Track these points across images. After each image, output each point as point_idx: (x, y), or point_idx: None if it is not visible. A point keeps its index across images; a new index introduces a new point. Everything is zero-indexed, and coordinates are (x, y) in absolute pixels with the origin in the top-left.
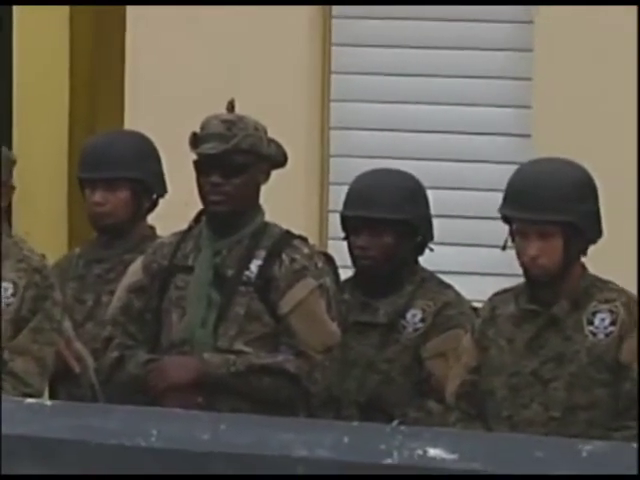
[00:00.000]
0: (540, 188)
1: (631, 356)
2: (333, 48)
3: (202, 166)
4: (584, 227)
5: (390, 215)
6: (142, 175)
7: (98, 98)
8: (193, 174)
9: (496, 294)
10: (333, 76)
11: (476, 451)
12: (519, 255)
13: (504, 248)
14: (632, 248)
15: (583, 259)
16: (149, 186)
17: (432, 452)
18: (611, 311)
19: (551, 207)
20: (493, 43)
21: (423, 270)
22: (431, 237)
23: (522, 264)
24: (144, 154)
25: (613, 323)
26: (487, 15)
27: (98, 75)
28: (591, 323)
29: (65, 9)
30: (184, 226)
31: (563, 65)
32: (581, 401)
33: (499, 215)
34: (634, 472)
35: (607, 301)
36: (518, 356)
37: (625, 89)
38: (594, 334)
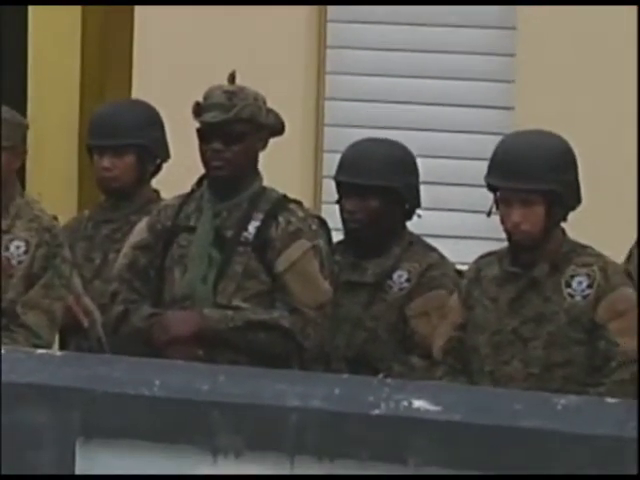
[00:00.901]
0: (523, 158)
1: (606, 316)
2: (329, 25)
3: (204, 134)
4: (564, 195)
5: (376, 182)
6: (147, 142)
7: (107, 68)
8: (196, 141)
9: (481, 257)
10: (328, 50)
11: (458, 403)
12: (503, 221)
13: (489, 214)
14: (609, 215)
15: (563, 225)
16: (153, 152)
17: (417, 403)
18: (588, 275)
19: (533, 176)
20: (481, 23)
21: (410, 234)
22: (418, 204)
23: (506, 229)
24: (148, 122)
25: (590, 286)
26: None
27: (108, 47)
28: (569, 286)
29: None
30: (187, 189)
31: (544, 43)
32: (558, 359)
33: (483, 183)
34: (605, 425)
35: (585, 265)
36: (501, 315)
37: (604, 63)
38: (572, 296)
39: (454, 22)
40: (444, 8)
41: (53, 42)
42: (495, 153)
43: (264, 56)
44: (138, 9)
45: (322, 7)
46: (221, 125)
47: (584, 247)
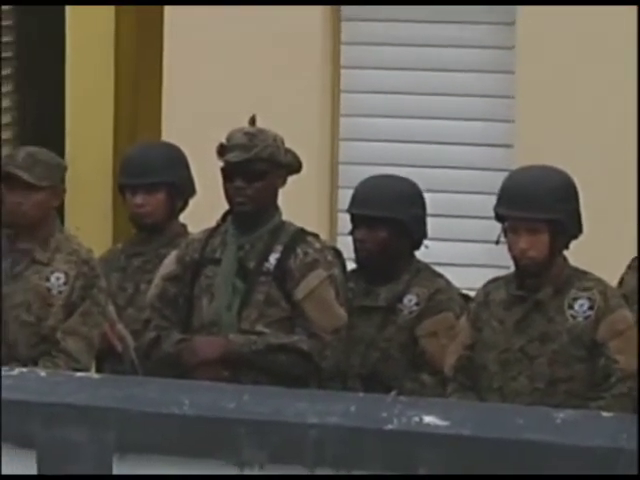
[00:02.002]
0: (530, 190)
1: (606, 336)
2: (342, 71)
3: (228, 172)
4: (567, 224)
5: (384, 213)
6: (175, 180)
7: (139, 113)
8: (220, 179)
9: (489, 282)
10: (342, 94)
11: (466, 418)
12: (510, 248)
13: (497, 242)
14: (609, 243)
15: (565, 252)
16: (181, 189)
17: (427, 419)
18: (589, 298)
19: (539, 206)
20: (480, 66)
21: (418, 262)
22: (424, 234)
23: (513, 256)
24: (176, 162)
25: (591, 308)
26: (474, 42)
27: (139, 94)
28: (571, 307)
29: (111, 30)
30: (212, 224)
31: (541, 85)
32: (562, 375)
33: (485, 215)
34: (601, 437)
35: (585, 289)
36: (508, 335)
37: (599, 105)
38: (574, 317)
39: (456, 67)
40: (448, 56)
41: (89, 92)
42: (504, 185)
43: (282, 100)
44: (166, 59)
45: (336, 53)
46: (243, 164)
47: (584, 272)
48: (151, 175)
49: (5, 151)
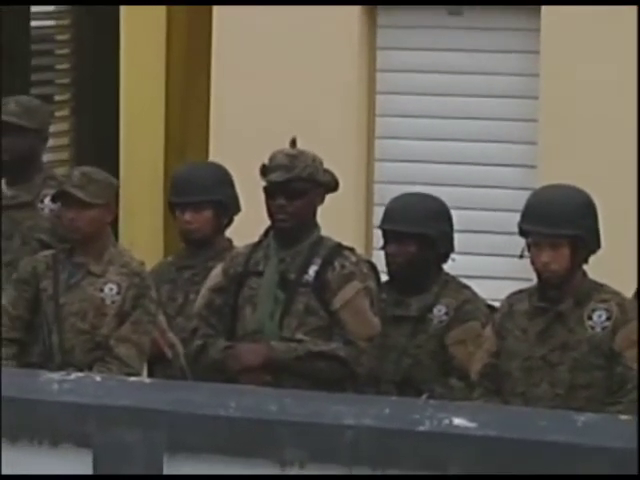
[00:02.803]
0: (552, 207)
1: (623, 345)
2: (377, 96)
3: (270, 191)
4: (587, 240)
5: (413, 229)
6: (221, 198)
7: (187, 135)
8: (262, 197)
9: (513, 294)
10: (377, 118)
11: (492, 421)
12: (533, 262)
13: (521, 256)
14: (626, 258)
15: (584, 266)
16: (227, 207)
17: (456, 421)
18: (607, 309)
19: (561, 223)
20: (506, 92)
21: (446, 274)
22: (452, 249)
23: (536, 269)
24: (222, 181)
25: (608, 319)
26: (501, 69)
27: (188, 117)
28: (590, 318)
29: (162, 59)
30: (255, 239)
31: (563, 110)
32: (582, 381)
33: (509, 230)
34: (620, 439)
35: (603, 301)
36: (530, 344)
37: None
38: (592, 327)
39: (483, 93)
40: (476, 83)
41: (141, 116)
42: (528, 203)
43: (322, 124)
44: (213, 85)
45: (372, 80)
46: (284, 183)
47: (602, 285)
48: (199, 194)
49: (62, 171)
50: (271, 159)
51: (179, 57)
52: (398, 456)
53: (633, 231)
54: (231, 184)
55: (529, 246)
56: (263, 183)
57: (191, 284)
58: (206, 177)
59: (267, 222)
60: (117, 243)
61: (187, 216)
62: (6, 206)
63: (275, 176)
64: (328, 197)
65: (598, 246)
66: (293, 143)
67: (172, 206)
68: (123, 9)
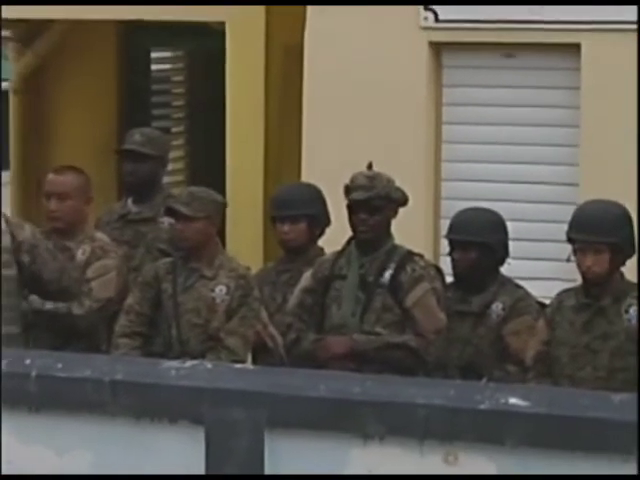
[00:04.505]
0: (595, 219)
1: None
2: (444, 126)
3: (353, 207)
4: (624, 246)
5: (474, 238)
6: (314, 213)
7: (283, 160)
8: (345, 213)
9: (562, 291)
10: (444, 145)
11: (542, 400)
12: (579, 265)
13: (568, 260)
14: None
15: (622, 268)
16: (319, 220)
17: (512, 400)
18: None
19: (602, 232)
20: (551, 121)
21: (502, 276)
22: (507, 254)
23: (581, 271)
24: (315, 198)
25: None
26: (548, 102)
27: (283, 145)
28: (627, 312)
29: (261, 87)
30: (339, 248)
31: (601, 136)
32: (619, 366)
33: (557, 239)
34: None
35: (637, 297)
36: (576, 334)
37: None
38: (629, 320)
39: (532, 123)
40: (527, 114)
41: (244, 145)
42: (574, 215)
43: (396, 150)
44: (305, 119)
45: (439, 113)
46: (366, 201)
47: (635, 284)
48: (295, 209)
49: (178, 191)
50: (352, 180)
51: (275, 96)
52: (462, 430)
53: None
54: (323, 201)
55: (575, 251)
56: (346, 201)
57: (289, 286)
58: (302, 195)
59: (349, 233)
60: (225, 251)
61: (285, 228)
62: (132, 220)
63: (357, 195)
64: (402, 211)
65: (633, 252)
66: (370, 166)
67: (273, 219)
68: (229, 54)
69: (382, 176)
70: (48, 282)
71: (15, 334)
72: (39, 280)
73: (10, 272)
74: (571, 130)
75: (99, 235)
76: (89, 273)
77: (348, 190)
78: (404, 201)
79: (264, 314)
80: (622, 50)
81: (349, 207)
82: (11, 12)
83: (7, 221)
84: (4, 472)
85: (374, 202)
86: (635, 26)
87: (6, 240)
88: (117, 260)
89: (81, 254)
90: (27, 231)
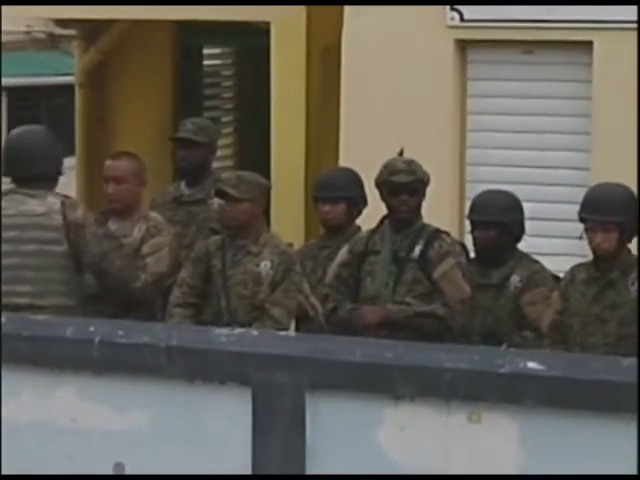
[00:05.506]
0: (604, 200)
1: None
2: (469, 117)
3: (394, 189)
4: (631, 225)
5: (493, 218)
6: (353, 194)
7: (323, 146)
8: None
9: (575, 266)
10: (468, 133)
11: (557, 363)
12: (590, 242)
13: (580, 238)
14: None
15: (629, 245)
16: (356, 201)
17: (530, 364)
18: None
19: (611, 212)
20: (566, 112)
21: (520, 252)
22: (523, 232)
23: (592, 248)
24: (353, 181)
25: None
26: (563, 94)
27: (323, 132)
28: (633, 284)
29: (303, 79)
30: (373, 225)
31: (611, 124)
32: (627, 333)
33: (570, 218)
34: None
35: None
36: (588, 304)
37: None
38: (635, 292)
39: (547, 112)
40: (541, 105)
41: (288, 132)
42: (586, 196)
43: (426, 138)
44: (343, 110)
45: (464, 104)
46: (408, 184)
47: None
48: (335, 190)
49: (227, 175)
50: (388, 165)
51: (316, 89)
52: (485, 392)
53: None
54: (361, 184)
55: (586, 230)
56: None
57: (328, 260)
58: (342, 178)
59: (382, 213)
60: (269, 230)
61: (326, 208)
62: (185, 202)
63: (400, 178)
64: (431, 193)
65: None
66: (401, 153)
67: (315, 200)
68: (273, 51)
69: (415, 161)
70: (87, 263)
71: (70, 306)
72: (78, 260)
73: (61, 248)
74: (584, 119)
75: (153, 215)
76: (144, 250)
77: (384, 174)
78: (428, 183)
79: (306, 286)
80: (630, 46)
81: (389, 189)
82: (76, 12)
83: (62, 202)
84: (69, 430)
85: (414, 185)
86: None
87: (58, 219)
88: (169, 238)
89: (137, 232)
90: (78, 212)
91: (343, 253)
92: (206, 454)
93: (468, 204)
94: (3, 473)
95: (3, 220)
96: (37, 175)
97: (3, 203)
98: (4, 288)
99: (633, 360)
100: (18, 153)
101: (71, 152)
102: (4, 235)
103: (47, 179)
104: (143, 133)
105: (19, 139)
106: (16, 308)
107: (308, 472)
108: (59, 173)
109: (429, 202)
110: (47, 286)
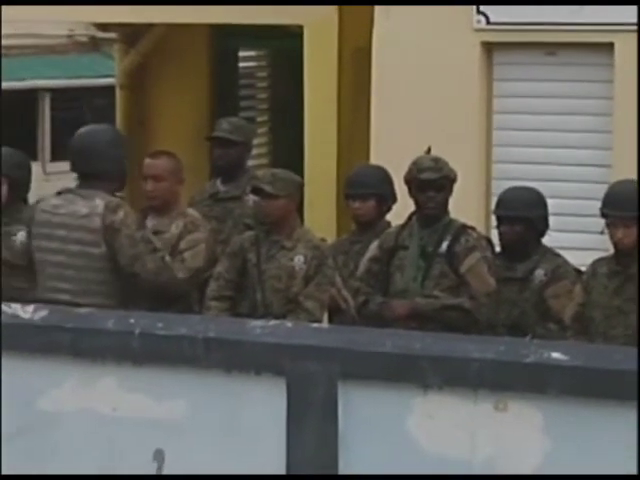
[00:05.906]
0: (625, 196)
1: None
2: (495, 116)
3: (422, 186)
4: None
5: (518, 214)
6: (382, 191)
7: (354, 145)
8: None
9: (597, 260)
10: (495, 132)
11: (580, 354)
12: (611, 237)
13: (601, 233)
14: None
15: None
16: (386, 198)
17: (554, 355)
18: None
19: (632, 208)
20: (588, 111)
21: (544, 246)
22: (547, 227)
23: (613, 242)
24: (383, 178)
25: None
26: (585, 94)
27: (353, 132)
28: None
29: (334, 81)
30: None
31: (631, 123)
32: None
33: (592, 214)
34: None
35: None
36: (609, 297)
37: None
38: None
39: (570, 112)
40: (563, 104)
41: (320, 133)
42: (607, 193)
43: (454, 136)
44: (373, 111)
45: (490, 104)
46: (435, 180)
47: None
48: (365, 188)
49: (262, 173)
50: (416, 163)
51: (347, 90)
52: (510, 381)
53: None
54: (390, 181)
55: (608, 225)
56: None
57: (360, 255)
58: (372, 176)
59: (411, 209)
60: (303, 225)
61: (357, 204)
62: (221, 199)
63: (427, 175)
64: (458, 190)
65: None
66: (429, 150)
67: (347, 197)
68: (306, 53)
69: (442, 159)
70: (121, 265)
71: (108, 306)
72: (116, 262)
73: (99, 250)
74: (605, 118)
75: (190, 211)
76: (182, 245)
77: (412, 171)
78: (455, 180)
79: (338, 279)
80: None
81: (418, 186)
82: (117, 16)
83: (106, 205)
84: (110, 418)
85: (441, 182)
86: None
87: (97, 221)
88: (206, 233)
89: (174, 229)
90: (117, 215)
91: (373, 248)
92: (242, 441)
93: (494, 200)
94: (51, 459)
95: (55, 218)
96: (98, 173)
97: (57, 201)
98: (49, 283)
99: None
100: (81, 150)
101: None
102: (55, 233)
103: (108, 177)
104: (181, 133)
105: (83, 137)
106: (57, 304)
107: (340, 458)
108: (123, 172)
109: (456, 198)
110: (86, 286)
